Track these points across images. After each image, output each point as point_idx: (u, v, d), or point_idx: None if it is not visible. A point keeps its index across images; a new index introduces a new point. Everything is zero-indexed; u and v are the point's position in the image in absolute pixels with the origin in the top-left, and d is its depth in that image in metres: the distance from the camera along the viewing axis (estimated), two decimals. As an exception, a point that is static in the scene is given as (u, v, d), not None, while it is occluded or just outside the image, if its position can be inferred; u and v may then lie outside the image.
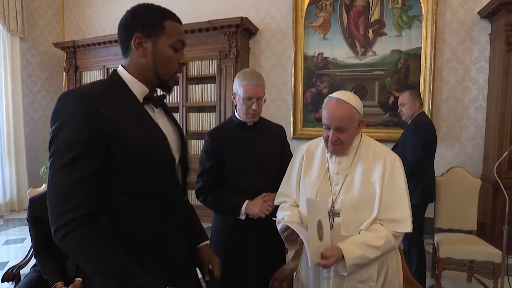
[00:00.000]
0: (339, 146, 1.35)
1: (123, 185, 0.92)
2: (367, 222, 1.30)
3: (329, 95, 1.38)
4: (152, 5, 0.98)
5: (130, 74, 0.98)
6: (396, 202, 1.31)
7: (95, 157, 0.86)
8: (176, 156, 1.06)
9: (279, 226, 1.43)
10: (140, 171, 0.93)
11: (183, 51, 1.03)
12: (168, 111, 1.12)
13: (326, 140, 1.36)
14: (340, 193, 1.35)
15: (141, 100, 0.99)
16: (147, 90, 1.00)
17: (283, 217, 1.45)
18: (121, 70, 1.00)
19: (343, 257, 1.23)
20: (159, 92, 1.08)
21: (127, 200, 0.93)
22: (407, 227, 1.29)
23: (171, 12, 1.00)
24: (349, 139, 1.35)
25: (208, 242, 1.25)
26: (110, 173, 0.89)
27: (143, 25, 0.95)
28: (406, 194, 1.32)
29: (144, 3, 0.98)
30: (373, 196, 1.31)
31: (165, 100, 1.11)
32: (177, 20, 1.00)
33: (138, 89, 0.99)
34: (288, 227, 1.34)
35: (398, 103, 2.76)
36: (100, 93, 0.91)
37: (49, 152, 0.86)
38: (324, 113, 1.35)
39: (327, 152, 1.44)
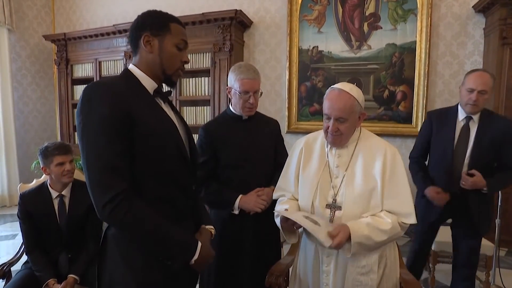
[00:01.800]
0: (338, 137, 1.34)
1: (141, 167, 1.01)
2: (370, 213, 1.29)
3: (331, 86, 1.38)
4: (160, 10, 1.12)
5: (141, 70, 1.10)
6: (400, 196, 1.31)
7: (123, 137, 0.96)
8: (185, 145, 1.15)
9: (277, 220, 1.42)
10: (156, 154, 1.03)
11: (186, 51, 1.14)
12: (174, 108, 1.22)
13: (326, 131, 1.36)
14: (341, 186, 1.35)
15: (151, 93, 1.10)
16: (155, 85, 1.11)
17: (285, 209, 1.43)
18: (132, 67, 1.11)
19: (349, 238, 1.21)
20: (165, 89, 1.18)
21: (144, 181, 1.02)
22: (412, 220, 1.30)
23: (175, 17, 1.13)
24: (348, 130, 1.35)
25: (209, 226, 1.28)
26: (131, 155, 0.99)
27: (151, 25, 1.07)
28: (409, 189, 1.32)
29: (152, 10, 1.11)
30: (374, 189, 1.30)
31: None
32: (181, 24, 1.13)
33: (149, 84, 1.10)
34: (288, 218, 1.33)
35: (475, 89, 1.94)
36: (119, 84, 1.03)
37: (80, 135, 0.96)
38: (326, 103, 1.35)
39: (327, 145, 1.44)
